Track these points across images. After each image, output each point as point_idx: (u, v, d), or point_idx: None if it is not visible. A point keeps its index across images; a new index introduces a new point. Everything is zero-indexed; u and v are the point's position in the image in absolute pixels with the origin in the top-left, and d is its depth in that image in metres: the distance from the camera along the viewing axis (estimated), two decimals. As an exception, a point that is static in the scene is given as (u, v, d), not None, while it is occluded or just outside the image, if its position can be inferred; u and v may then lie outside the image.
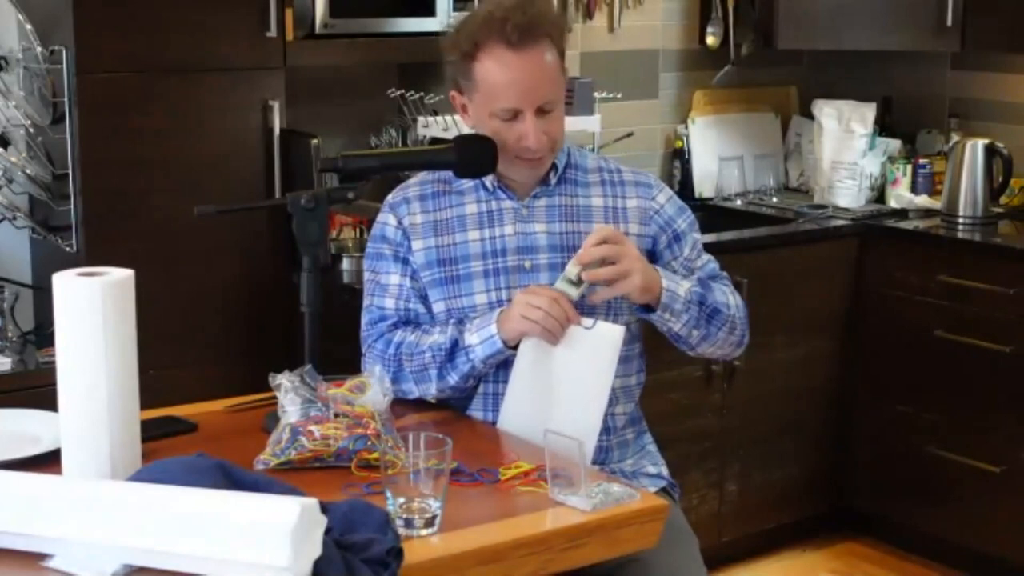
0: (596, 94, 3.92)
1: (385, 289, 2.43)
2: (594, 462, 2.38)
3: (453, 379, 2.34)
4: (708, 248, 2.55)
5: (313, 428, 2.04)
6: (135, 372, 1.94)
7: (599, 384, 2.29)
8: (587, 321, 2.26)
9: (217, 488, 1.71)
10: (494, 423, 2.38)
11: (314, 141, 3.37)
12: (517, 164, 2.39)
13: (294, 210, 2.23)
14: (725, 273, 2.52)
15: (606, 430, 2.41)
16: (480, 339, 2.30)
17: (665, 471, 2.53)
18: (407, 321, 2.42)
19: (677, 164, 4.50)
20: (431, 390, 2.38)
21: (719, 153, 4.54)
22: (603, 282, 2.26)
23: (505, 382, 2.36)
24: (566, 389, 2.28)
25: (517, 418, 2.31)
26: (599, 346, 2.27)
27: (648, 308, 2.35)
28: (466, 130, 2.54)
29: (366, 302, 2.46)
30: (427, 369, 2.35)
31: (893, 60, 4.55)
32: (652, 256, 2.44)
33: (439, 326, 2.39)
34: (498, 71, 2.32)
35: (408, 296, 2.42)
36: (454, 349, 2.32)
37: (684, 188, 4.45)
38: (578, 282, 2.26)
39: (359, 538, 1.67)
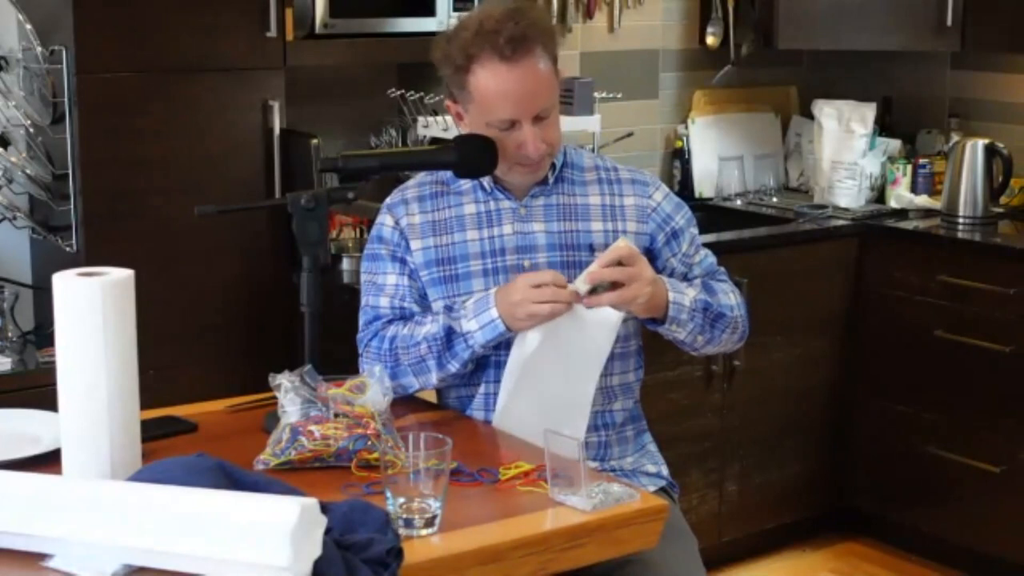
0: (596, 94, 3.91)
1: (381, 289, 2.43)
2: (594, 458, 2.39)
3: (454, 367, 2.34)
4: (708, 248, 2.55)
5: (313, 428, 2.04)
6: (135, 372, 1.94)
7: (595, 361, 2.31)
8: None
9: (217, 488, 1.71)
10: (495, 423, 2.38)
11: (314, 141, 3.37)
12: (516, 170, 2.40)
13: (294, 210, 2.23)
14: (723, 268, 2.53)
15: (605, 426, 2.43)
16: (480, 324, 2.29)
17: (665, 471, 2.53)
18: (402, 319, 2.42)
19: (677, 164, 4.51)
20: (431, 380, 2.38)
21: (719, 153, 4.54)
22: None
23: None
24: (562, 367, 2.29)
25: (517, 395, 2.31)
26: (598, 325, 2.27)
27: (654, 319, 2.35)
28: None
29: (362, 303, 2.46)
30: (425, 360, 2.34)
31: (893, 60, 4.55)
32: (651, 253, 2.44)
33: (430, 315, 2.38)
34: (493, 84, 2.31)
35: (404, 295, 2.42)
36: (451, 337, 2.32)
37: (684, 188, 4.46)
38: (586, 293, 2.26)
39: (359, 538, 1.67)
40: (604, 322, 2.28)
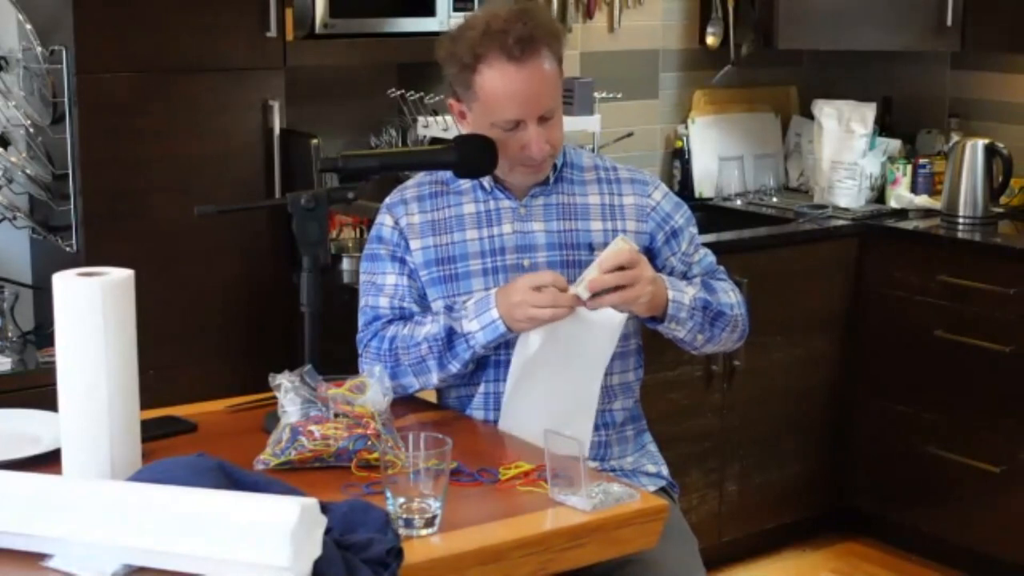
0: (596, 94, 3.91)
1: (380, 289, 2.43)
2: (594, 457, 2.39)
3: (455, 367, 2.34)
4: (707, 248, 2.55)
5: (313, 428, 2.04)
6: (135, 372, 1.94)
7: (599, 361, 2.31)
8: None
9: (217, 488, 1.71)
10: (495, 423, 2.38)
11: (314, 141, 3.37)
12: (519, 171, 2.40)
13: (294, 210, 2.23)
14: (722, 267, 2.53)
15: (605, 425, 2.43)
16: (481, 325, 2.29)
17: (665, 471, 2.53)
18: (401, 319, 2.42)
19: (677, 164, 4.51)
20: (432, 381, 2.38)
21: (719, 153, 4.54)
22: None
23: (506, 381, 2.36)
24: (565, 367, 2.29)
25: (522, 396, 2.31)
26: (601, 326, 2.27)
27: (653, 318, 2.35)
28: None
29: (361, 303, 2.45)
30: (425, 360, 2.34)
31: (893, 60, 4.55)
32: (650, 252, 2.45)
33: (430, 315, 2.38)
34: (500, 84, 2.31)
35: (403, 295, 2.41)
36: (451, 337, 2.32)
37: (684, 188, 4.46)
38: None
39: (359, 538, 1.67)
40: (607, 323, 2.27)
